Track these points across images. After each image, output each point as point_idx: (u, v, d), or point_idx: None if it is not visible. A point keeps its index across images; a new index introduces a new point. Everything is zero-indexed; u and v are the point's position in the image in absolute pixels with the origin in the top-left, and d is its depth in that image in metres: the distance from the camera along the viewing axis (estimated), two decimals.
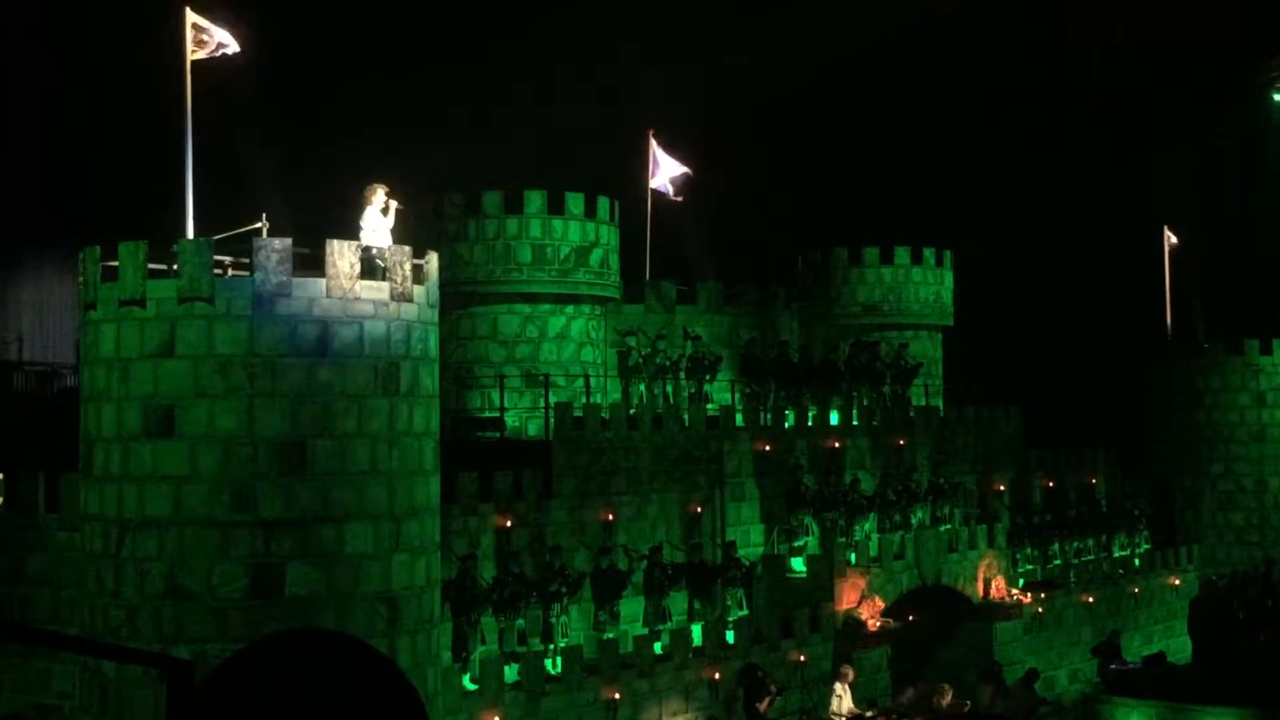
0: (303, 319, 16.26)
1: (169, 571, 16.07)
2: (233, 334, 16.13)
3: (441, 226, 27.52)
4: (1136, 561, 34.10)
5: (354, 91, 34.63)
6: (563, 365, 27.54)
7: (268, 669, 3.64)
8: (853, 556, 26.11)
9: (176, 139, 18.45)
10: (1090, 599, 31.78)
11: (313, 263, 16.52)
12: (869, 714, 24.55)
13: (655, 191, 30.85)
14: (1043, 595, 30.35)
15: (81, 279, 17.27)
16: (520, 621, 21.66)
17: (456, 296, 26.50)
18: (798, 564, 26.84)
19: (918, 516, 29.22)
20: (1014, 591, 29.28)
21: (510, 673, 20.67)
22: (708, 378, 28.65)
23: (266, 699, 3.58)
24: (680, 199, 31.11)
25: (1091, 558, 32.79)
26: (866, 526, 28.10)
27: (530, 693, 20.47)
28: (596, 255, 27.80)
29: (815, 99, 41.76)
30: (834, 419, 29.85)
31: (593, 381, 27.84)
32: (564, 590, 22.24)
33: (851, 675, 24.52)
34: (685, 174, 30.89)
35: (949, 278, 34.85)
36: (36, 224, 29.36)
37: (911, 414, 31.46)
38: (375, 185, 18.49)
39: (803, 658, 24.54)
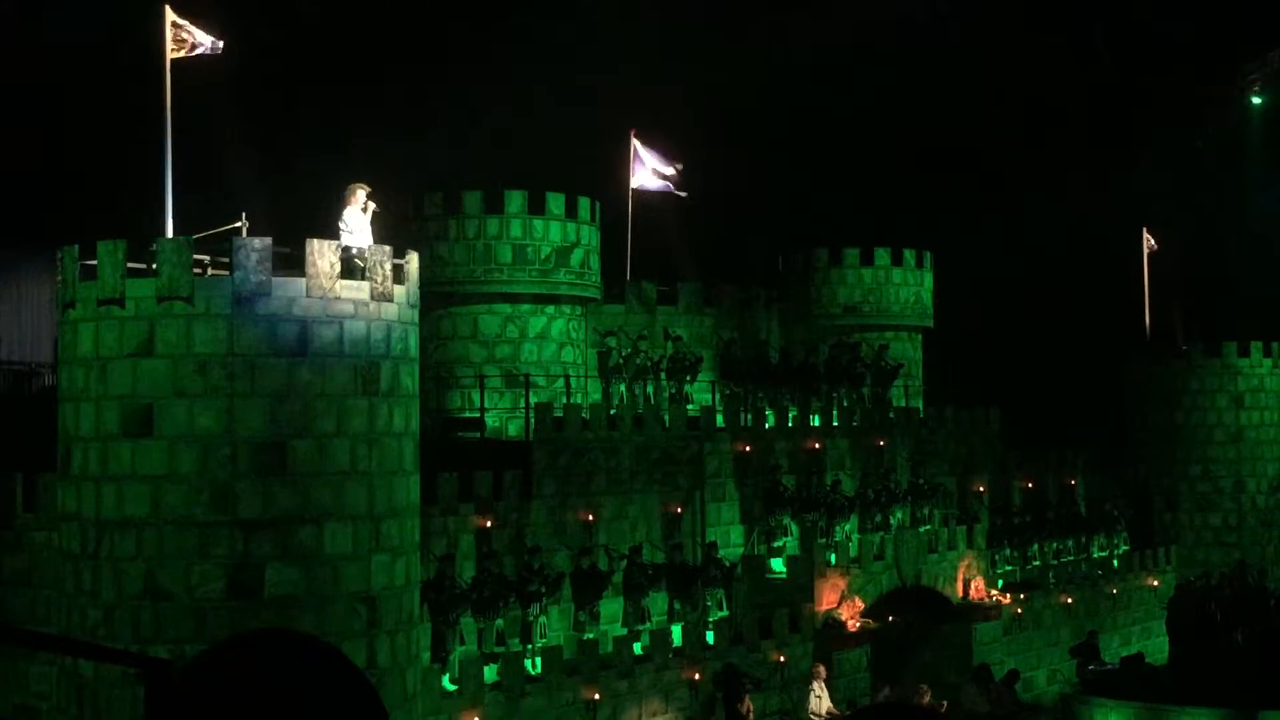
0: (282, 318, 16.22)
1: (147, 572, 16.02)
2: (212, 333, 16.08)
3: (422, 226, 27.47)
4: (1115, 562, 34.24)
5: (334, 90, 34.56)
6: (543, 365, 27.52)
7: (228, 671, 3.63)
8: (832, 557, 26.17)
9: (156, 138, 18.39)
10: (1069, 600, 31.89)
11: (293, 262, 16.48)
12: (848, 714, 24.59)
13: (637, 191, 30.82)
14: (1021, 596, 30.45)
15: (60, 278, 17.20)
16: (500, 622, 21.65)
17: (437, 296, 26.45)
18: (777, 564, 26.89)
19: (897, 517, 29.29)
20: (993, 592, 29.38)
21: (490, 673, 20.66)
22: (688, 378, 28.68)
23: (224, 702, 3.57)
24: (684, 193, 31.02)
25: (1070, 559, 32.91)
26: (846, 527, 28.16)
27: (510, 693, 20.46)
28: (577, 255, 27.79)
29: (796, 99, 41.80)
30: (814, 420, 29.89)
31: (573, 382, 27.83)
32: (543, 590, 22.23)
33: (824, 673, 24.57)
34: (677, 172, 30.76)
35: (929, 279, 34.92)
36: (14, 223, 29.21)
37: (891, 415, 31.52)
38: (356, 185, 18.43)
39: (782, 658, 24.58)
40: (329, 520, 16.35)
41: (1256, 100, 44.95)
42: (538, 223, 27.44)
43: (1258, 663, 28.60)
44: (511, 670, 20.68)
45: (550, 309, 27.86)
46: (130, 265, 16.46)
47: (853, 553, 26.74)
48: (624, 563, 24.12)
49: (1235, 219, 45.20)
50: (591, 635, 22.78)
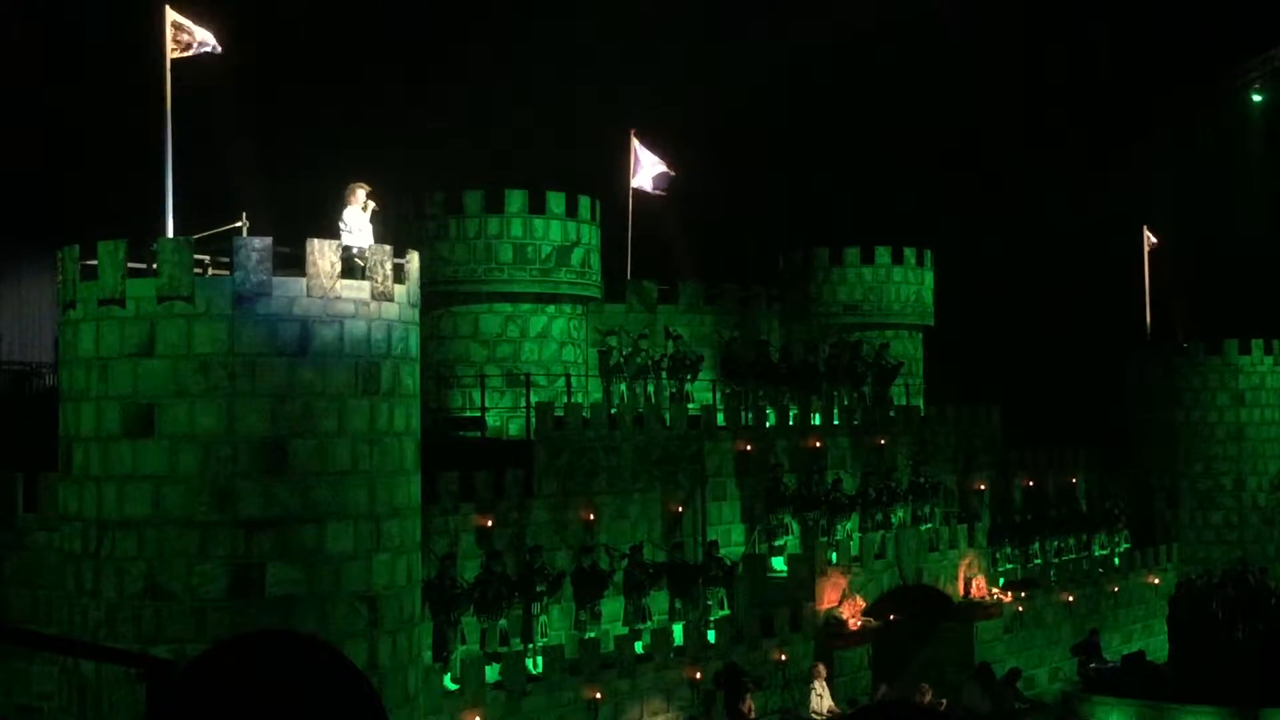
0: (283, 318, 16.21)
1: (148, 571, 16.02)
2: (212, 333, 16.07)
3: (423, 225, 27.48)
4: (1116, 560, 34.25)
5: (334, 90, 34.55)
6: (544, 365, 27.52)
7: (229, 671, 3.64)
8: (834, 556, 26.17)
9: (156, 137, 18.40)
10: (1070, 598, 31.89)
11: (293, 262, 16.47)
12: (849, 712, 24.60)
13: (637, 190, 30.83)
14: (1023, 594, 30.45)
15: (60, 278, 17.21)
16: (503, 622, 21.65)
17: (437, 296, 26.47)
18: (778, 563, 26.89)
19: (898, 516, 29.29)
20: (994, 590, 29.37)
21: (491, 672, 20.65)
22: (689, 377, 28.66)
23: (225, 702, 3.59)
24: (664, 193, 31.09)
25: (1072, 557, 32.91)
26: (848, 526, 28.15)
27: (511, 693, 20.46)
28: (578, 255, 27.79)
29: (797, 98, 41.80)
30: (815, 419, 29.88)
31: (574, 381, 27.83)
32: (544, 589, 22.23)
33: (825, 672, 24.58)
34: (667, 173, 30.85)
35: (929, 277, 34.93)
36: (14, 223, 29.23)
37: (892, 413, 31.51)
38: (356, 184, 18.43)
39: (784, 657, 24.57)
40: (330, 520, 16.35)
41: (1257, 98, 44.95)
42: (538, 222, 27.45)
43: (1259, 661, 28.59)
44: (513, 670, 20.68)
45: (551, 308, 27.87)
46: (131, 265, 16.46)
47: (854, 551, 26.74)
48: (625, 562, 24.12)
49: (1236, 217, 45.16)
50: (593, 634, 22.78)
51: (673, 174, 30.98)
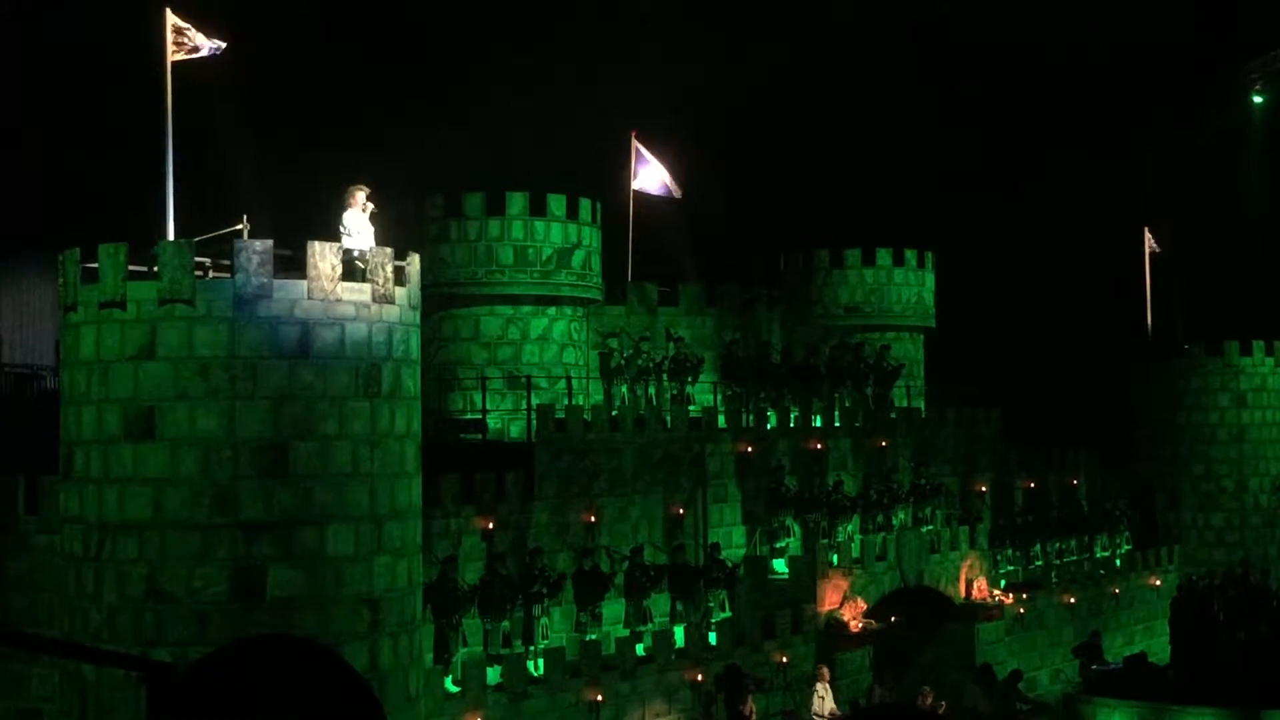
0: (284, 321, 16.20)
1: (149, 574, 16.01)
2: (213, 336, 16.07)
3: (423, 228, 27.47)
4: (1118, 562, 34.24)
5: (335, 92, 34.55)
6: (545, 367, 27.50)
7: (229, 675, 3.64)
8: (835, 558, 26.16)
9: (157, 140, 18.39)
10: (1072, 599, 31.88)
11: (294, 264, 16.47)
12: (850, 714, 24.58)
13: (638, 192, 30.81)
14: (1024, 596, 30.44)
15: (61, 281, 17.20)
16: (505, 624, 21.64)
17: (438, 298, 26.45)
18: (780, 565, 26.88)
19: (899, 517, 29.28)
20: (995, 592, 29.35)
21: (492, 674, 20.64)
22: (690, 379, 28.65)
23: (225, 704, 3.58)
24: (679, 196, 31.07)
25: (1073, 558, 32.90)
26: (849, 528, 28.14)
27: (512, 694, 20.45)
28: (578, 257, 27.77)
29: (797, 100, 41.79)
30: (816, 421, 29.87)
31: (575, 383, 27.80)
32: (544, 591, 22.21)
33: (828, 674, 24.57)
34: (669, 186, 30.81)
35: (930, 279, 34.89)
36: (15, 225, 29.21)
37: (893, 415, 31.49)
38: (355, 186, 18.43)
39: (785, 659, 24.56)
40: (331, 522, 16.34)
41: (1257, 99, 44.93)
42: (539, 224, 27.43)
43: (1260, 662, 28.58)
44: (514, 671, 20.67)
45: (552, 310, 27.84)
46: (131, 268, 16.45)
47: (855, 553, 26.73)
48: (626, 564, 24.11)
49: (1237, 217, 45.15)
50: (594, 636, 22.77)
51: (676, 192, 30.94)
